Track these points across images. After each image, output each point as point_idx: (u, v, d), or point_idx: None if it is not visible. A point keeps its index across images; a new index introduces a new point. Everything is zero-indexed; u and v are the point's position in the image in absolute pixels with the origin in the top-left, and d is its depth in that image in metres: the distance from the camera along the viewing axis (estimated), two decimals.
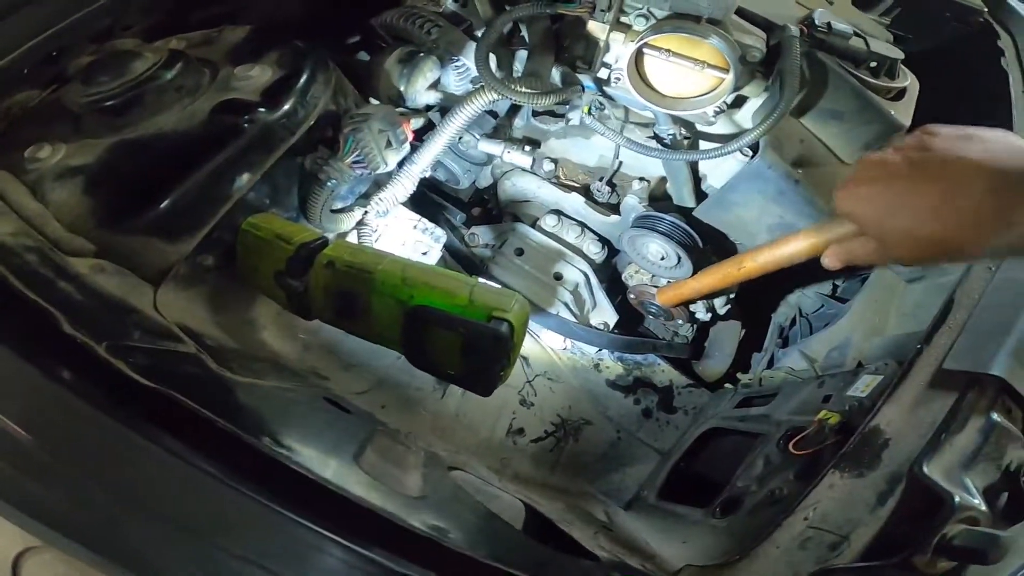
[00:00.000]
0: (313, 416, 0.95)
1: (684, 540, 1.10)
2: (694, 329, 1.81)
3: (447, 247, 1.67)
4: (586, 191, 1.68)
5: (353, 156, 1.10)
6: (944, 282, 1.34)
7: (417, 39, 1.32)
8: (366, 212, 1.23)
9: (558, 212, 1.71)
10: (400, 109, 1.26)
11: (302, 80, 1.06)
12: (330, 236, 1.15)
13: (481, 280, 0.96)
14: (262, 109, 1.00)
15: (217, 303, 1.07)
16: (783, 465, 1.12)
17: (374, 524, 0.64)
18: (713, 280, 1.28)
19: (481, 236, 1.77)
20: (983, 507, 0.71)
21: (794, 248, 1.00)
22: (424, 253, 1.38)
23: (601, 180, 1.61)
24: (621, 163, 1.58)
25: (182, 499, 0.60)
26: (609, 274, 1.82)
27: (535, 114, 1.53)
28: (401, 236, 1.37)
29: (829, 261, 0.78)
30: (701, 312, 1.64)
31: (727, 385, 1.71)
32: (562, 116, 1.48)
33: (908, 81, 1.28)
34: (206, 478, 0.60)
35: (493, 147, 1.39)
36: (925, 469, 0.77)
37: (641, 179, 1.54)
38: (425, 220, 1.40)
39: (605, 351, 1.74)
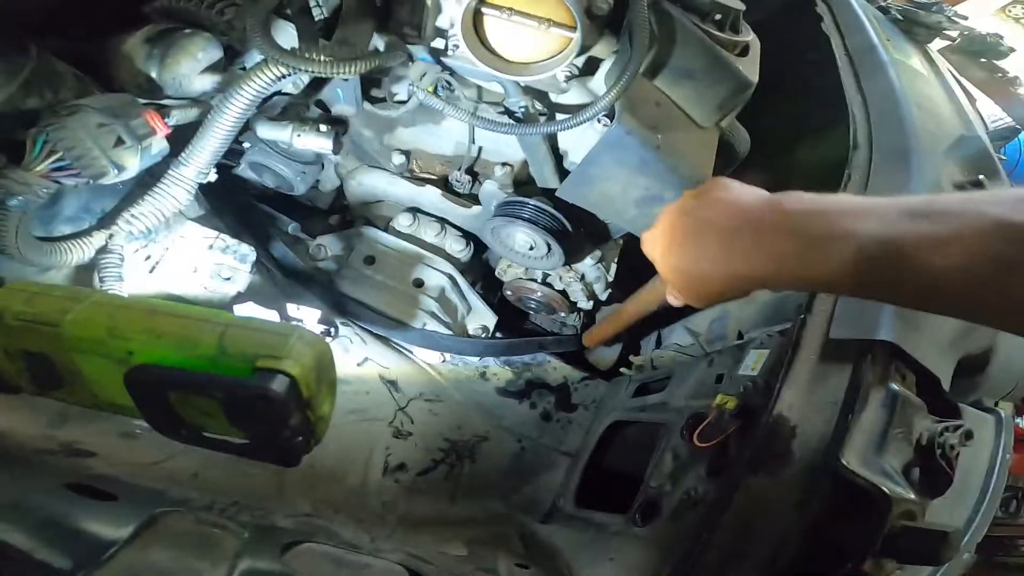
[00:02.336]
0: (40, 512, 0.67)
1: (611, 557, 1.01)
2: (580, 318, 1.71)
3: (282, 266, 1.42)
4: (444, 183, 1.49)
5: (51, 161, 0.81)
6: None
7: (207, 22, 1.06)
8: (111, 235, 0.93)
9: (414, 210, 1.51)
10: (172, 100, 0.97)
11: None
12: (52, 274, 0.85)
13: (245, 316, 0.72)
14: None
15: None
16: (691, 460, 1.06)
17: None
18: (614, 323, 1.39)
19: (329, 247, 1.52)
20: (912, 495, 0.64)
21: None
22: (227, 279, 1.11)
23: (460, 169, 1.43)
24: (481, 149, 1.41)
25: None
26: (481, 272, 1.66)
27: (372, 100, 1.31)
28: (192, 260, 1.09)
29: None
30: (583, 301, 1.52)
31: (622, 370, 1.64)
32: (404, 101, 1.28)
33: (751, 37, 1.24)
34: None
35: (277, 131, 1.14)
36: (843, 460, 0.68)
37: (504, 164, 1.38)
38: (225, 237, 1.13)
39: (489, 358, 1.59)
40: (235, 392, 0.61)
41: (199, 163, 0.90)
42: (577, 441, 1.56)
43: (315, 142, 1.11)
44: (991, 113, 2.28)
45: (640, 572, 0.87)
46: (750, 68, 1.14)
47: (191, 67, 0.95)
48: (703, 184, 0.70)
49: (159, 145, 0.90)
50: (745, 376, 1.11)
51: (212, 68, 0.98)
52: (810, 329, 0.92)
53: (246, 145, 1.40)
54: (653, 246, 0.75)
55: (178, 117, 0.93)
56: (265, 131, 1.12)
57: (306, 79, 1.08)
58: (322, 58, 0.83)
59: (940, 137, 1.19)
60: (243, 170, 1.45)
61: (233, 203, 1.41)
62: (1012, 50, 1.93)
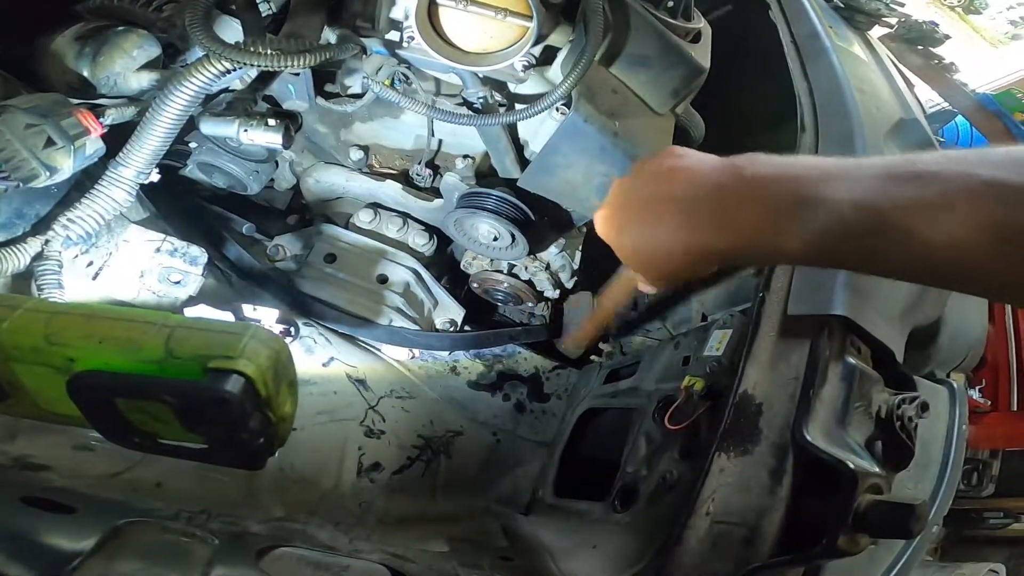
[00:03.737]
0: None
1: (593, 545, 1.02)
2: (548, 307, 1.71)
3: (238, 267, 1.37)
4: (405, 177, 1.47)
5: None
6: None
7: (144, 20, 1.00)
8: (47, 241, 0.89)
9: (375, 206, 1.48)
10: (108, 99, 0.92)
11: None
12: None
13: (195, 317, 0.69)
14: None
15: None
16: (665, 443, 1.08)
17: None
18: (596, 318, 1.34)
19: (288, 247, 1.48)
20: (876, 468, 0.66)
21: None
22: (177, 282, 1.07)
23: (420, 163, 1.41)
24: (441, 142, 1.39)
25: None
26: (447, 266, 1.65)
27: (326, 95, 1.28)
28: (138, 265, 1.05)
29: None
30: (549, 290, 1.53)
31: (592, 358, 1.66)
32: (360, 95, 1.25)
33: (702, 24, 1.25)
34: None
35: (222, 127, 1.10)
36: (807, 436, 0.71)
37: (465, 156, 1.36)
38: (173, 240, 1.09)
39: (459, 352, 1.58)
40: (186, 395, 0.58)
41: (138, 163, 0.86)
42: (552, 431, 1.57)
43: (263, 137, 1.08)
44: (927, 98, 2.38)
45: (623, 558, 0.88)
46: (702, 54, 1.16)
47: (126, 65, 0.91)
48: (656, 156, 0.64)
49: (94, 145, 0.85)
50: (710, 357, 1.14)
51: (150, 65, 0.94)
52: (769, 307, 0.94)
53: (193, 145, 1.35)
54: (607, 226, 0.69)
55: (114, 116, 0.88)
56: (209, 128, 1.08)
57: (253, 74, 1.04)
58: (268, 51, 0.80)
59: (881, 120, 1.23)
60: (191, 171, 1.39)
61: (181, 205, 1.35)
62: (947, 37, 2.01)
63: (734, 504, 0.73)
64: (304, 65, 0.84)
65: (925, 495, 0.86)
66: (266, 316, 1.20)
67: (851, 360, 0.79)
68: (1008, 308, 2.51)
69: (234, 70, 0.82)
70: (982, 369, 2.39)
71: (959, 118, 2.97)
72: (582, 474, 1.35)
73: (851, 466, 0.64)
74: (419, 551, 0.96)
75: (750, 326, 0.94)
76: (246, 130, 1.05)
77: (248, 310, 1.19)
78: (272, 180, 1.54)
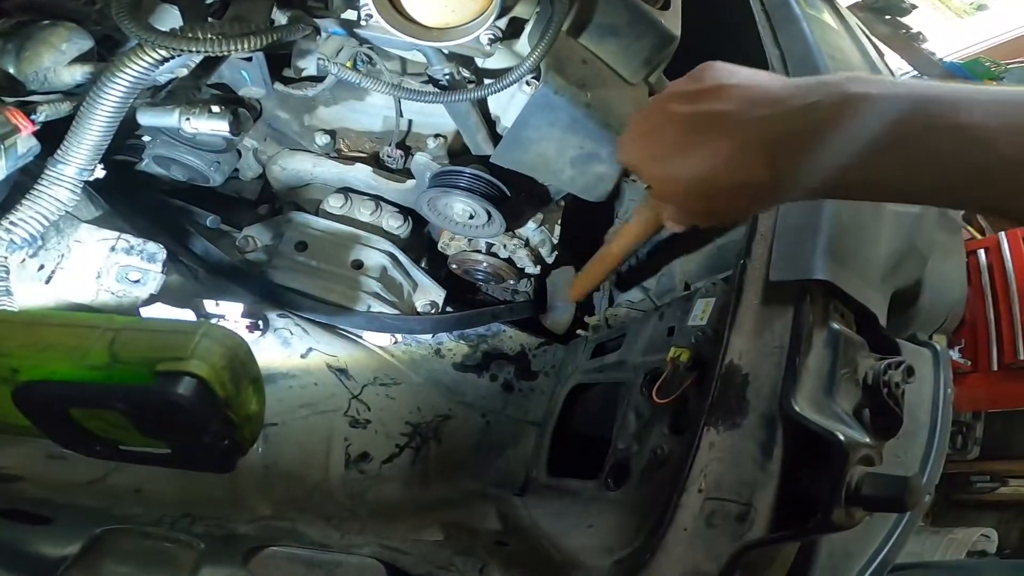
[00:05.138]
0: None
1: (589, 524, 1.02)
2: (531, 284, 1.69)
3: (205, 261, 1.33)
4: (375, 160, 1.42)
5: None
6: None
7: (75, 14, 0.93)
8: None
9: (345, 190, 1.43)
10: (40, 96, 0.85)
11: None
12: None
13: (143, 318, 0.66)
14: None
15: None
16: (654, 417, 1.07)
17: None
18: (599, 266, 1.21)
19: (258, 238, 1.43)
20: (867, 439, 0.65)
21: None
22: (136, 281, 1.02)
23: (391, 145, 1.36)
24: (411, 122, 1.35)
25: None
26: (425, 247, 1.61)
27: (285, 81, 1.22)
28: (93, 265, 1.00)
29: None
30: (530, 266, 1.50)
31: (579, 332, 1.65)
32: (320, 79, 1.20)
33: None
34: None
35: (162, 117, 1.04)
36: (796, 406, 0.70)
37: (437, 136, 1.32)
38: (129, 237, 1.04)
39: (442, 334, 1.55)
40: (137, 401, 0.56)
41: (78, 160, 0.81)
42: (542, 409, 1.56)
43: (208, 125, 1.02)
44: (896, 67, 2.37)
45: (618, 537, 0.88)
46: (672, 21, 1.13)
47: (55, 59, 0.84)
48: (692, 73, 0.56)
49: (26, 144, 0.80)
50: (695, 327, 1.13)
51: (83, 58, 0.87)
52: (751, 274, 0.93)
53: (146, 139, 1.29)
54: (637, 153, 0.59)
55: (47, 112, 0.83)
56: (147, 119, 1.02)
57: (197, 60, 0.98)
58: (207, 36, 0.74)
59: None
60: (147, 165, 1.33)
61: (139, 202, 1.29)
62: (914, 7, 1.99)
63: (726, 480, 0.73)
64: (248, 49, 0.79)
65: (915, 463, 0.87)
66: (230, 311, 1.16)
67: (835, 325, 0.78)
68: (984, 268, 2.51)
69: (171, 58, 0.76)
70: (960, 329, 2.41)
71: None
72: (574, 452, 1.35)
73: (841, 438, 0.63)
74: (413, 542, 0.95)
75: (732, 294, 0.93)
76: (188, 119, 0.99)
77: (211, 306, 1.14)
78: (237, 170, 1.48)
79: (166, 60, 0.76)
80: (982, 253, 2.52)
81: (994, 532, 2.42)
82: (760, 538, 0.66)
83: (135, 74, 0.76)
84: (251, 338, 1.22)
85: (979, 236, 2.92)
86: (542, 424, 1.53)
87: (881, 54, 1.65)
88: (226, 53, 0.76)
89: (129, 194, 1.29)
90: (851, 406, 0.72)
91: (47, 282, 0.99)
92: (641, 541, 0.79)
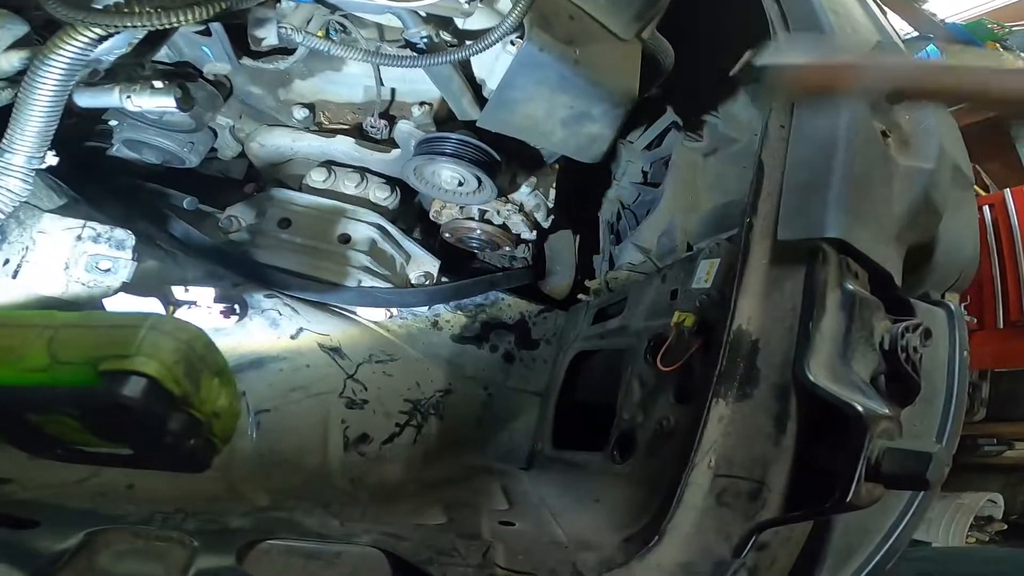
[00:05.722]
0: None
1: (596, 499, 0.99)
2: (529, 249, 1.64)
3: (186, 244, 1.28)
4: (359, 131, 1.35)
5: None
6: (735, 151, 1.35)
7: (12, 1, 0.86)
8: None
9: (328, 164, 1.37)
10: None
11: None
12: None
13: (88, 312, 0.62)
14: None
15: None
16: (658, 386, 1.04)
17: None
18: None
19: (241, 217, 1.38)
20: (886, 410, 0.61)
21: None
22: (107, 270, 0.98)
23: (373, 115, 1.29)
24: (394, 90, 1.28)
25: None
26: (416, 217, 1.55)
27: (255, 55, 1.14)
28: (60, 256, 0.96)
29: None
30: (526, 232, 1.45)
31: (580, 296, 1.60)
32: (288, 50, 1.12)
33: None
34: None
35: (101, 97, 0.97)
36: (810, 375, 0.65)
37: (422, 103, 1.25)
38: (95, 225, 1.00)
39: (439, 305, 1.51)
40: (84, 404, 0.52)
41: (25, 148, 0.76)
42: (544, 379, 1.52)
43: (152, 102, 0.95)
44: (899, 26, 2.24)
45: (626, 512, 0.85)
46: None
47: None
48: None
49: None
50: (699, 289, 1.08)
51: (19, 44, 0.80)
52: (757, 232, 0.87)
53: (113, 123, 1.23)
54: None
55: None
56: (86, 100, 0.95)
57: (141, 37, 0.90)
58: (143, 10, 0.67)
59: (858, 43, 1.13)
60: (118, 150, 1.28)
61: (112, 187, 1.24)
62: None
63: (737, 456, 0.69)
64: (192, 20, 0.72)
65: (931, 432, 0.83)
66: (202, 296, 1.12)
67: (850, 286, 0.73)
68: (989, 224, 2.44)
69: (108, 36, 0.70)
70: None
71: (930, 47, 2.83)
72: (580, 422, 1.32)
73: (860, 409, 0.59)
74: (414, 526, 0.92)
75: (739, 254, 0.88)
76: (129, 96, 0.93)
77: (180, 292, 1.10)
78: (215, 150, 1.42)
79: (104, 39, 0.70)
80: (987, 209, 2.44)
81: (1000, 497, 2.41)
82: (774, 517, 0.63)
83: (70, 55, 0.70)
84: (230, 323, 1.17)
85: (983, 193, 2.84)
86: (545, 395, 1.50)
87: (884, 12, 1.56)
88: (167, 26, 0.70)
89: (101, 181, 1.23)
90: (868, 373, 0.68)
91: (14, 277, 0.95)
92: (649, 518, 0.76)
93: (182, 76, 1.03)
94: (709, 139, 1.41)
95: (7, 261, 0.90)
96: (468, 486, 1.17)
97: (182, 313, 1.07)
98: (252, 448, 1.10)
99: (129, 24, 0.68)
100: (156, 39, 0.87)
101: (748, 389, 0.73)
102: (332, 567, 0.78)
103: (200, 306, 1.11)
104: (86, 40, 0.69)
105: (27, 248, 0.94)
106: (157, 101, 0.94)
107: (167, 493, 0.91)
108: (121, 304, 0.99)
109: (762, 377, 0.73)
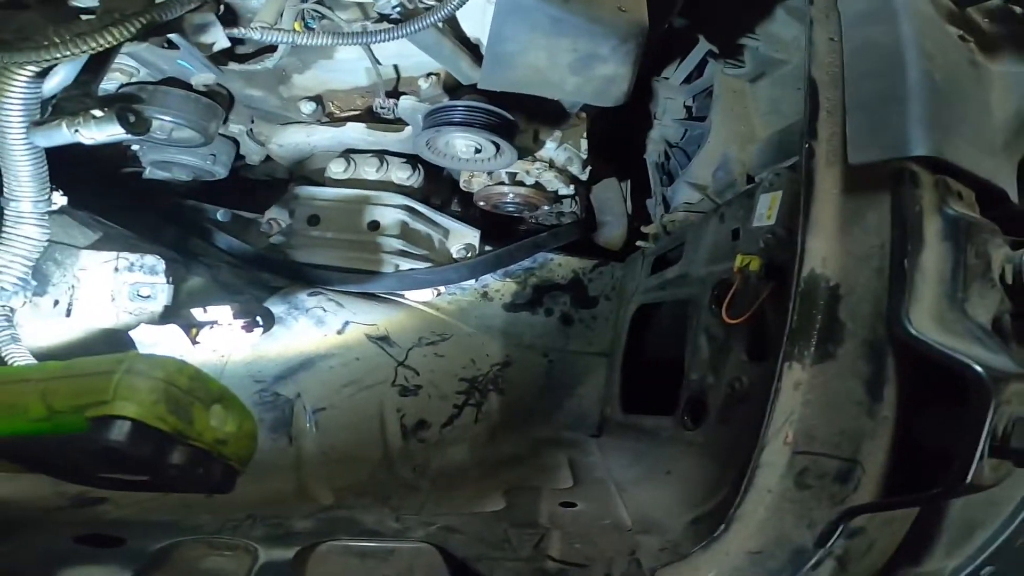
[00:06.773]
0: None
1: (667, 470, 0.93)
2: (577, 203, 1.52)
3: (232, 256, 1.28)
4: (371, 114, 1.28)
5: None
6: (785, 73, 1.21)
7: None
8: None
9: (347, 153, 1.31)
10: None
11: None
12: None
13: (72, 361, 0.62)
14: None
15: None
16: (728, 341, 0.94)
17: None
18: None
19: (279, 219, 1.37)
20: (1015, 366, 0.47)
21: None
22: (147, 296, 1.01)
23: (381, 95, 1.22)
24: (397, 67, 1.19)
25: None
26: (450, 190, 1.47)
27: (241, 58, 1.08)
28: (105, 289, 1.00)
29: None
30: (562, 187, 1.34)
31: (637, 243, 1.50)
32: (267, 52, 1.06)
33: None
34: None
35: (53, 135, 0.89)
36: (911, 327, 0.52)
37: (428, 75, 1.17)
38: (127, 255, 1.02)
39: (485, 276, 1.44)
40: (81, 450, 0.55)
41: (27, 193, 0.78)
42: (607, 338, 1.44)
43: (100, 132, 0.90)
44: None
45: (698, 486, 0.79)
46: None
47: None
48: None
49: None
50: (762, 227, 0.95)
51: None
52: (821, 158, 0.73)
53: (135, 148, 1.23)
54: None
55: None
56: (40, 139, 0.92)
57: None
58: (63, 40, 0.62)
59: None
60: (151, 173, 1.29)
61: (150, 213, 1.25)
62: None
63: (821, 429, 0.58)
64: (114, 40, 0.67)
65: None
66: (221, 315, 1.12)
67: (952, 209, 0.58)
68: None
69: (45, 72, 0.66)
70: None
71: None
72: (650, 382, 1.23)
73: (979, 369, 0.46)
74: (469, 516, 0.90)
75: (802, 185, 0.74)
76: (77, 130, 0.89)
77: (200, 314, 1.10)
78: (243, 157, 1.40)
79: (43, 73, 0.66)
80: None
81: None
82: (869, 503, 0.52)
83: (17, 96, 0.68)
84: (255, 335, 1.16)
85: None
86: (610, 355, 1.41)
87: None
88: (88, 51, 0.65)
89: (134, 209, 1.25)
90: (989, 316, 0.53)
91: (68, 315, 0.99)
92: (720, 498, 0.68)
93: (126, 99, 1.00)
94: (752, 64, 1.26)
95: (57, 302, 0.95)
96: (534, 463, 1.13)
97: (204, 334, 1.07)
98: (315, 447, 1.11)
99: (48, 57, 0.64)
100: (95, 67, 0.82)
101: (830, 348, 0.61)
102: (386, 564, 0.79)
103: (221, 324, 1.11)
104: (25, 78, 0.67)
105: (73, 287, 0.98)
106: (105, 130, 0.90)
107: (244, 498, 0.93)
108: (146, 338, 1.01)
109: (847, 332, 0.60)
